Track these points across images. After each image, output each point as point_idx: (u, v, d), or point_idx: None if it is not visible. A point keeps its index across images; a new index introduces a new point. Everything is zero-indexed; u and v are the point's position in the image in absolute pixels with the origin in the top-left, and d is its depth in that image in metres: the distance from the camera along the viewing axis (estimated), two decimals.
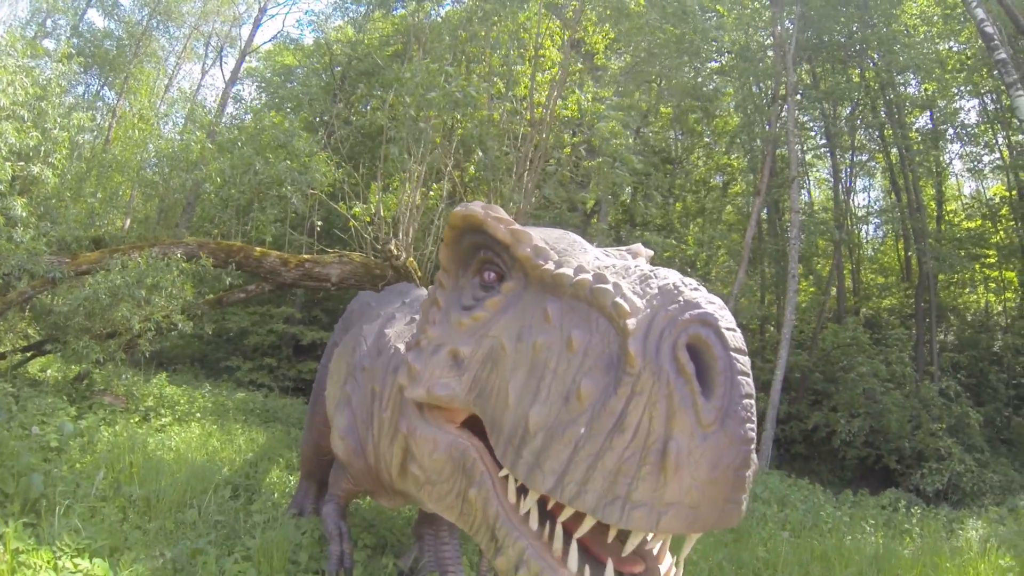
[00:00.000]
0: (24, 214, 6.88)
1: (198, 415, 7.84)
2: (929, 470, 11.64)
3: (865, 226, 22.40)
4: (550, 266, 1.63)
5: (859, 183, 22.47)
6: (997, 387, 15.29)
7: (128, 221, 14.26)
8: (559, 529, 1.47)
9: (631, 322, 1.33)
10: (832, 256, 17.55)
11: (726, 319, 1.31)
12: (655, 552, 1.55)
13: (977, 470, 11.79)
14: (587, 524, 1.40)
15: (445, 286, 1.99)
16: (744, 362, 1.30)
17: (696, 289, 1.38)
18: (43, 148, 9.25)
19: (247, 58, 18.81)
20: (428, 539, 3.74)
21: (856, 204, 21.21)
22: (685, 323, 1.28)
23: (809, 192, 23.07)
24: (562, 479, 1.34)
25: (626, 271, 1.52)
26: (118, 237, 10.99)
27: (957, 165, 20.32)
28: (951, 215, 18.74)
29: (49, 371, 8.54)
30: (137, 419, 7.07)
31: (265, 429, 8.21)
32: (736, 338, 1.30)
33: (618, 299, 1.39)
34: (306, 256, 9.04)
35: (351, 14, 17.29)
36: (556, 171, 11.53)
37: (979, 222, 17.10)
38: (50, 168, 9.15)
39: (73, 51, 15.65)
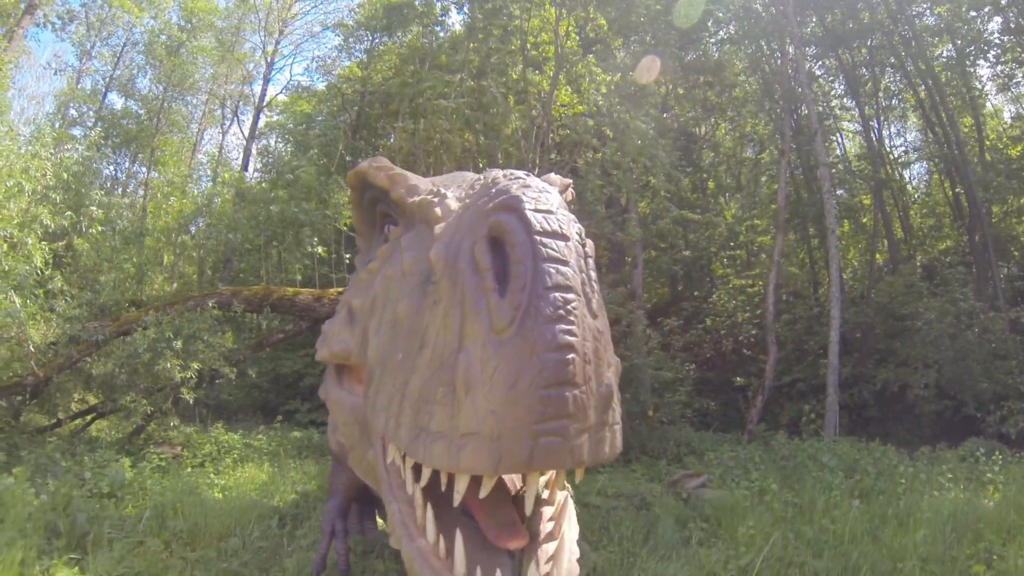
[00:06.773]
0: (63, 286, 7.29)
1: (254, 457, 8.03)
2: (1009, 411, 10.86)
3: (907, 170, 21.39)
4: (414, 199, 1.53)
5: (893, 127, 21.52)
6: None
7: (174, 284, 14.94)
8: (419, 496, 1.38)
9: (439, 227, 1.21)
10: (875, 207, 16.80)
11: (540, 200, 1.07)
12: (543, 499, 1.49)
13: None
14: (449, 480, 1.25)
15: (361, 249, 2.01)
16: (557, 246, 1.02)
17: (520, 178, 1.16)
18: (81, 225, 9.86)
19: (263, 112, 19.54)
20: None
21: (893, 148, 20.23)
22: (487, 213, 1.08)
23: (843, 146, 22.24)
24: (388, 417, 1.21)
25: (472, 183, 1.36)
26: (156, 296, 11.57)
27: (992, 88, 19.16)
28: (995, 142, 17.62)
29: (106, 431, 8.94)
30: (192, 466, 7.29)
31: (318, 462, 8.32)
32: (549, 220, 1.05)
33: (436, 208, 1.27)
34: (339, 289, 9.26)
35: (356, 55, 17.77)
36: (583, 168, 11.41)
37: None
38: (88, 242, 9.69)
39: (102, 141, 16.68)
